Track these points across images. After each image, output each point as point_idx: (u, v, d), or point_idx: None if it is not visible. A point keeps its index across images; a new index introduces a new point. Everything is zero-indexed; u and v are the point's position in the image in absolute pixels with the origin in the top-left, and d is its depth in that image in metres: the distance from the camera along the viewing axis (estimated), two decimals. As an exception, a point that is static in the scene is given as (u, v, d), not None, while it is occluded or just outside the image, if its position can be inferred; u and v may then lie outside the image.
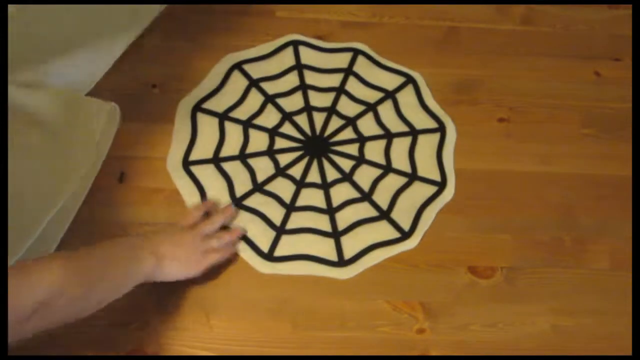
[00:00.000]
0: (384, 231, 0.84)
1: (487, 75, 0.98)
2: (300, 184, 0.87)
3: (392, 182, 0.87)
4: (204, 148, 0.89)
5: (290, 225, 0.83)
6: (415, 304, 0.79)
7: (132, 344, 0.75)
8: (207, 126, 0.90)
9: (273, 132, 0.90)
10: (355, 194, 0.86)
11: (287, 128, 0.91)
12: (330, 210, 0.85)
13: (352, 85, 0.95)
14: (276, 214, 0.84)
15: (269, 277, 0.80)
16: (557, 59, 1.00)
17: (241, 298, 0.79)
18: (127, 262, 0.68)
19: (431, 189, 0.87)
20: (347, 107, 0.93)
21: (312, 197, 0.86)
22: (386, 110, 0.93)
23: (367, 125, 0.92)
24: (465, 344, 0.77)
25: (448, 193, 0.87)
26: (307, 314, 0.78)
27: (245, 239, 0.82)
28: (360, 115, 0.92)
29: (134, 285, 0.69)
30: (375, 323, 0.78)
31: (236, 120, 0.91)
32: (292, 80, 0.95)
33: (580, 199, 0.88)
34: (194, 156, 0.88)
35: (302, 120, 0.92)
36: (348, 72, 0.96)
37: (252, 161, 0.88)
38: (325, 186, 0.87)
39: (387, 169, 0.88)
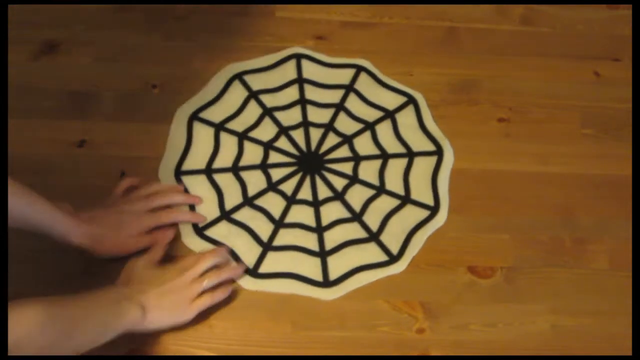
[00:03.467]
0: (371, 253, 0.82)
1: (487, 75, 0.98)
2: (291, 200, 0.85)
3: (384, 203, 0.86)
4: (197, 158, 0.88)
5: (277, 241, 0.82)
6: (415, 304, 0.79)
7: (132, 344, 0.75)
8: (203, 136, 0.89)
9: (268, 146, 0.89)
10: (345, 214, 0.85)
11: (282, 142, 0.90)
12: (319, 229, 0.83)
13: (352, 103, 0.94)
14: (264, 229, 0.83)
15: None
16: (557, 59, 1.00)
17: (241, 298, 0.78)
18: (109, 315, 0.66)
19: (423, 213, 0.85)
20: (345, 125, 0.92)
21: (301, 214, 0.84)
22: (384, 130, 0.92)
23: (364, 144, 0.90)
24: (465, 344, 0.77)
25: (441, 218, 0.85)
26: (307, 314, 0.78)
27: (231, 253, 0.81)
28: (358, 133, 0.91)
29: (115, 335, 0.67)
30: (375, 323, 0.78)
31: (232, 132, 0.90)
32: (291, 94, 0.94)
33: (580, 199, 0.88)
34: (186, 166, 0.87)
35: (298, 135, 0.91)
36: (349, 89, 0.95)
37: (244, 174, 0.87)
38: (316, 204, 0.85)
39: (380, 190, 0.87)
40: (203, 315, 0.77)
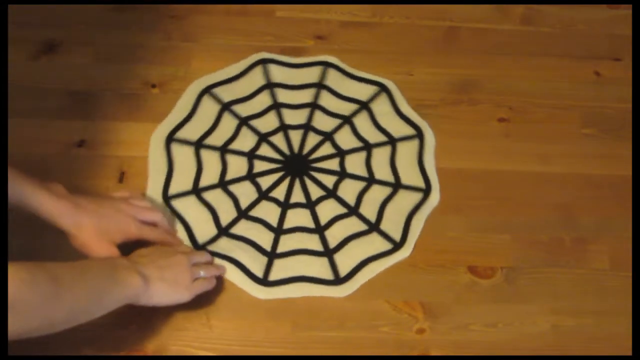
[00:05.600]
0: (375, 244, 0.82)
1: (487, 75, 0.98)
2: (285, 205, 0.85)
3: (377, 193, 0.86)
4: (183, 180, 0.85)
5: (281, 248, 0.81)
6: (415, 304, 0.79)
7: (132, 344, 0.75)
8: (183, 156, 0.87)
9: (251, 156, 0.88)
10: (342, 210, 0.85)
11: (264, 150, 0.89)
12: (319, 229, 0.83)
13: (326, 99, 0.93)
14: (265, 238, 0.82)
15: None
16: (557, 59, 1.00)
17: (241, 298, 0.78)
18: (105, 280, 0.65)
19: (417, 196, 0.86)
20: (323, 122, 0.92)
21: (299, 217, 0.84)
22: (362, 122, 0.92)
23: (345, 139, 0.90)
24: (465, 344, 0.77)
25: (434, 198, 0.86)
26: (307, 314, 0.78)
27: (238, 264, 0.80)
28: (337, 129, 0.91)
29: (115, 307, 0.66)
30: (375, 323, 0.78)
31: (212, 147, 0.88)
32: (264, 100, 0.93)
33: (580, 199, 0.88)
34: (173, 189, 0.85)
35: (278, 140, 0.90)
36: (320, 86, 0.94)
37: (233, 188, 0.86)
38: (310, 205, 0.85)
39: (371, 180, 0.87)
40: (203, 315, 0.77)
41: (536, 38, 1.02)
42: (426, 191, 0.86)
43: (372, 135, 0.91)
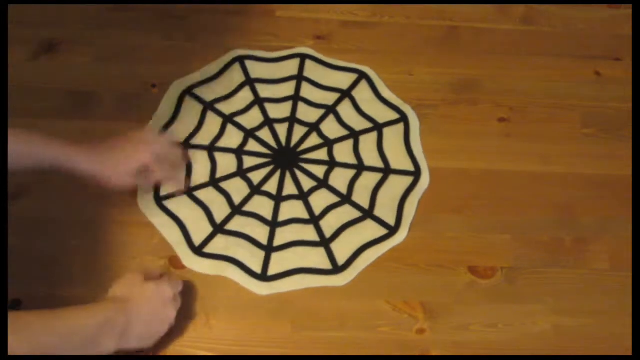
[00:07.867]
0: (370, 230, 0.83)
1: (487, 75, 0.98)
2: (278, 198, 0.85)
3: (368, 180, 0.87)
4: None
5: (277, 241, 0.82)
6: (415, 304, 0.79)
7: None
8: None
9: (239, 152, 0.88)
10: (334, 199, 0.85)
11: (252, 145, 0.89)
12: (314, 219, 0.83)
13: (307, 91, 0.94)
14: (261, 233, 0.82)
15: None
16: (557, 58, 1.00)
17: (241, 298, 0.78)
18: (86, 343, 0.64)
19: (407, 180, 0.87)
20: (307, 114, 0.92)
21: (292, 209, 0.84)
22: (346, 110, 0.93)
23: (331, 128, 0.91)
24: (465, 344, 0.77)
25: (424, 181, 0.87)
26: (307, 314, 0.78)
27: (236, 263, 0.80)
28: (322, 119, 0.92)
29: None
30: (375, 323, 0.78)
31: (199, 147, 0.89)
32: (246, 96, 0.93)
33: (580, 199, 0.88)
34: (165, 191, 0.85)
35: (265, 134, 0.90)
36: (300, 78, 0.95)
37: (224, 185, 0.86)
38: (303, 196, 0.85)
39: (360, 167, 0.88)
40: (203, 315, 0.77)
41: (536, 38, 1.02)
42: (416, 174, 0.87)
43: (357, 123, 0.91)
